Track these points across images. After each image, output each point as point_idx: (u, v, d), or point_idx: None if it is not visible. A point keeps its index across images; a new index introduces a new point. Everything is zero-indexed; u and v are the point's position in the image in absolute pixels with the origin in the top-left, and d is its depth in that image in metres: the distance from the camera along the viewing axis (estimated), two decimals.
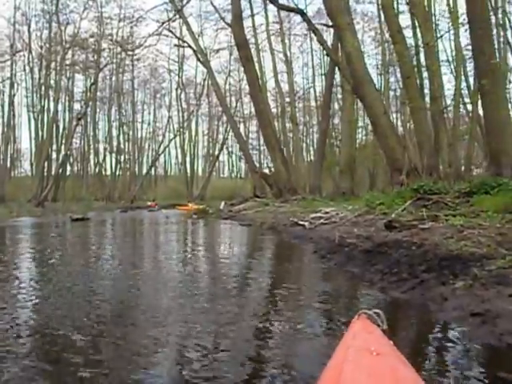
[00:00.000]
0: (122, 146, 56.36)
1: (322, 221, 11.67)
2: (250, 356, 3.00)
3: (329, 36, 29.70)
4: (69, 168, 52.19)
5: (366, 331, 1.55)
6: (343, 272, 5.92)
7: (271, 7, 34.35)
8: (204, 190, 49.42)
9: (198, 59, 35.36)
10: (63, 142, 45.62)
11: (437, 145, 15.54)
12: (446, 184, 11.96)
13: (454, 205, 9.71)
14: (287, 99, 40.82)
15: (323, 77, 40.00)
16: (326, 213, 12.76)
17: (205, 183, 50.78)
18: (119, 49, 45.28)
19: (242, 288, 5.26)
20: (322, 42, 18.67)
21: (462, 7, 19.38)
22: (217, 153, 54.85)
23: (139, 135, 59.54)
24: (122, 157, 56.85)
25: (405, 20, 23.88)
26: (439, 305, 3.85)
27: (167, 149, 59.60)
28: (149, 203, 39.97)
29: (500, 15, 25.91)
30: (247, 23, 31.83)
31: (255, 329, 3.59)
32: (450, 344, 3.13)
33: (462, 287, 3.95)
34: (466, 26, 13.10)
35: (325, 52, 29.65)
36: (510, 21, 30.32)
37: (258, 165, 39.34)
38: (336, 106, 38.78)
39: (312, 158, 44.63)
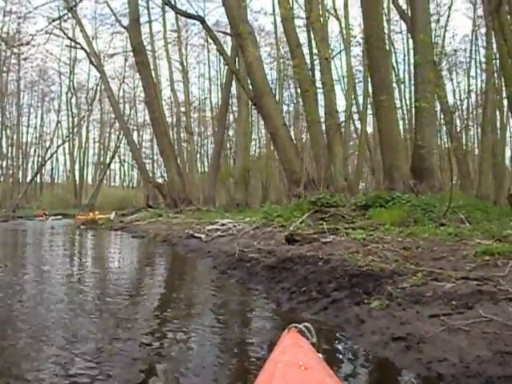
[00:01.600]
0: (4, 150, 52.46)
1: (219, 233, 11.22)
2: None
3: (227, 48, 29.59)
4: None
5: (295, 345, 1.55)
6: (246, 290, 5.44)
7: (169, 15, 33.71)
8: (93, 199, 46.97)
9: (91, 62, 33.64)
10: None
11: (332, 158, 15.85)
12: (342, 197, 12.09)
13: (351, 217, 9.78)
14: (182, 109, 40.24)
15: (219, 88, 40.03)
16: (223, 225, 12.36)
17: (94, 192, 48.28)
18: (4, 46, 41.81)
19: (127, 311, 4.59)
20: (221, 50, 18.42)
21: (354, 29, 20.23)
22: (108, 161, 52.66)
23: (24, 140, 56.01)
24: (4, 162, 53.05)
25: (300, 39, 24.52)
26: (356, 328, 3.51)
27: (55, 155, 56.42)
28: (38, 212, 37.38)
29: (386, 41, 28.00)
30: (144, 29, 30.95)
31: (142, 355, 3.17)
32: (377, 375, 2.79)
33: (379, 307, 3.66)
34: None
35: (223, 62, 29.60)
36: (394, 46, 32.95)
37: (151, 174, 38.45)
38: (231, 118, 38.84)
39: (206, 168, 44.43)
